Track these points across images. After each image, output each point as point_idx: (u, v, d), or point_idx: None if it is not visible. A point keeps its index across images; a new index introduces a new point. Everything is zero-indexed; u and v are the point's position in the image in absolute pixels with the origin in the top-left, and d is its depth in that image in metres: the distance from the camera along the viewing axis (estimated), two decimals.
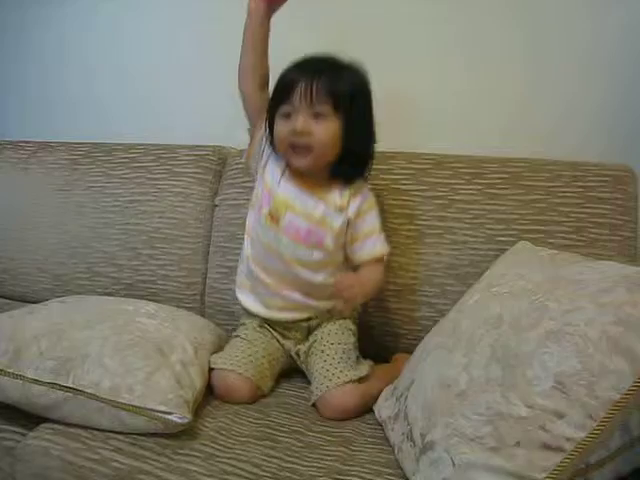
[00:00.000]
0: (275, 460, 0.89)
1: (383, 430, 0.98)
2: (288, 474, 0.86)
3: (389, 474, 0.86)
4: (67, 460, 0.90)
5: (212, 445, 0.92)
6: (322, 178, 1.18)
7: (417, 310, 1.26)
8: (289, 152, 1.14)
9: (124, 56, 1.85)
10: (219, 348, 1.19)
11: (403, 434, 0.88)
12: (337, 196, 1.17)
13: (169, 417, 0.91)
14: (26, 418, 0.97)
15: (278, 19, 1.22)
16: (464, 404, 0.79)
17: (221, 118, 1.51)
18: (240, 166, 1.45)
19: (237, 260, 1.31)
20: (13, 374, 0.95)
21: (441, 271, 1.25)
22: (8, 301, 1.58)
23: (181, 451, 0.90)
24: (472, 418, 0.77)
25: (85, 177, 1.59)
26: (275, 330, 1.22)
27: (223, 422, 1.00)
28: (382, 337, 1.29)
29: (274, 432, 0.98)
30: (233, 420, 1.01)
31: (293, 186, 1.17)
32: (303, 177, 1.18)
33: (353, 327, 1.23)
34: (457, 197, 1.27)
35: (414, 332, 1.25)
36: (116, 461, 0.89)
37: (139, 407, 0.92)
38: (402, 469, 0.86)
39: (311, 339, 1.20)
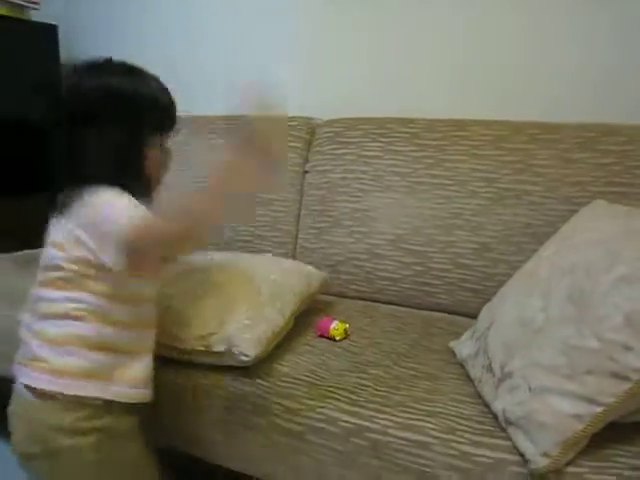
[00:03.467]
0: (368, 389, 1.02)
1: (464, 368, 1.09)
2: (380, 399, 0.99)
3: (471, 402, 0.97)
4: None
5: (312, 376, 1.06)
6: None
7: (494, 267, 1.34)
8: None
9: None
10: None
11: (483, 367, 0.99)
12: None
13: None
14: None
15: None
16: (540, 339, 0.89)
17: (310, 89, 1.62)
18: (327, 135, 1.57)
19: (326, 222, 1.45)
20: None
21: (518, 230, 1.32)
22: None
23: (286, 379, 1.05)
24: (548, 350, 0.86)
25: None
26: None
27: (320, 359, 1.13)
28: (460, 292, 1.39)
29: (365, 366, 1.10)
30: (329, 357, 1.14)
31: None
32: None
33: None
34: (534, 161, 1.34)
35: (491, 288, 1.31)
36: (230, 385, 1.06)
37: None
38: (482, 398, 0.97)
39: None
